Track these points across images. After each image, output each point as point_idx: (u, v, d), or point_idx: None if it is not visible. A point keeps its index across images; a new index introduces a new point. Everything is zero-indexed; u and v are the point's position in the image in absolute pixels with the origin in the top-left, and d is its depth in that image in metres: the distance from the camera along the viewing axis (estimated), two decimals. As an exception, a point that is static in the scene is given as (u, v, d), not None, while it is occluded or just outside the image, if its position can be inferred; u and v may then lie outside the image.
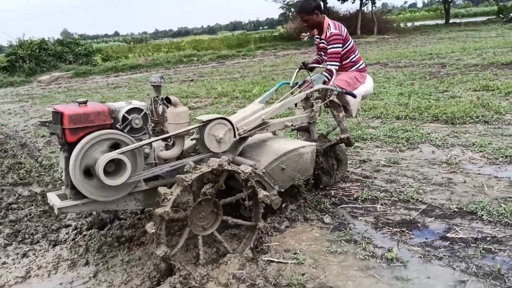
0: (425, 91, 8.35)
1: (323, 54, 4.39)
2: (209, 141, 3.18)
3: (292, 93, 4.18)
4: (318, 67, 4.47)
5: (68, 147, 2.77)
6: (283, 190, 3.49)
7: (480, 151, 4.84)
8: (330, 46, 4.11)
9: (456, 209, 3.55)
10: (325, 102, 4.09)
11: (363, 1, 32.42)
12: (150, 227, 2.73)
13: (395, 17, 49.29)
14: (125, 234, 3.55)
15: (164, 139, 3.26)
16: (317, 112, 4.03)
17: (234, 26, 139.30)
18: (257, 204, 3.11)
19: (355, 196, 3.97)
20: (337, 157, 4.26)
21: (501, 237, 3.06)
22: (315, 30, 4.36)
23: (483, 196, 3.76)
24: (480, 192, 3.85)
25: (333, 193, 4.06)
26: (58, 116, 2.75)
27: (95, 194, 2.83)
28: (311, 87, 4.00)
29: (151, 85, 3.38)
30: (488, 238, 3.07)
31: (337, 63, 4.13)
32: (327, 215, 3.63)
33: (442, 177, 4.25)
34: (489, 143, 5.02)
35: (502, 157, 4.59)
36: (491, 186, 3.94)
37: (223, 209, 3.04)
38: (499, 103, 6.81)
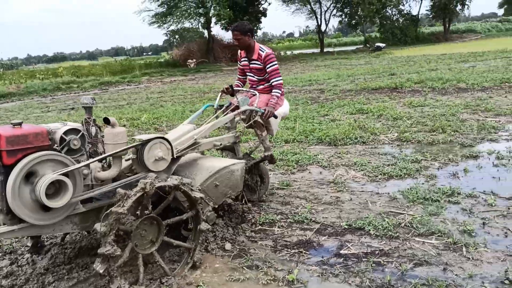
0: (309, 115, 8.86)
1: (253, 74, 4.63)
2: (148, 161, 3.20)
3: (217, 115, 4.33)
4: (243, 90, 4.72)
5: (4, 170, 2.68)
6: (216, 206, 3.63)
7: (361, 170, 5.23)
8: (270, 65, 4.44)
9: (346, 226, 3.76)
10: (250, 122, 4.31)
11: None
12: (101, 226, 2.72)
13: (276, 45, 52.00)
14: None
15: (99, 160, 3.22)
16: (241, 132, 4.17)
17: (116, 51, 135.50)
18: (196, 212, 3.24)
19: (253, 220, 4.00)
20: (260, 174, 4.54)
21: (387, 250, 3.31)
22: (242, 52, 4.63)
23: (368, 212, 4.04)
24: (365, 208, 4.14)
25: (232, 219, 4.05)
26: None
27: (33, 218, 2.75)
28: (236, 109, 4.23)
29: (82, 107, 3.29)
30: (377, 252, 3.29)
31: (280, 78, 4.49)
32: (227, 242, 3.61)
33: (331, 196, 4.50)
34: (368, 162, 5.46)
35: (380, 174, 5.01)
36: (374, 202, 4.27)
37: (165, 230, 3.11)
38: (374, 124, 7.48)
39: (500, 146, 5.72)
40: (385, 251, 3.29)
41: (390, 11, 43.42)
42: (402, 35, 41.71)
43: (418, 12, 46.27)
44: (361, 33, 54.33)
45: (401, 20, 43.69)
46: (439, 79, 12.45)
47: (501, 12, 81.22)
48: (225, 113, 4.21)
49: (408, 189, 4.46)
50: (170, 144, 3.35)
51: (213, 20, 32.63)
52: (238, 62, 4.78)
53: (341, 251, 3.35)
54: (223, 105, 4.24)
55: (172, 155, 3.39)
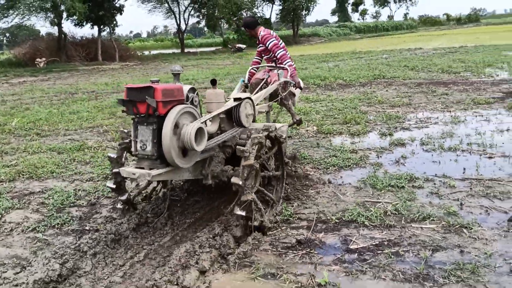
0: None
1: (264, 55, 5.57)
2: (242, 117, 3.87)
3: (244, 90, 5.24)
4: (271, 66, 5.40)
5: (158, 119, 3.11)
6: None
7: (308, 163, 5.13)
8: (268, 42, 5.28)
9: (336, 220, 3.60)
10: (286, 92, 5.08)
11: (101, 28, 31.57)
12: (236, 179, 3.23)
13: (127, 45, 49.78)
14: None
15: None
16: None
17: None
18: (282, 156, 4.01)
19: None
20: None
21: (394, 239, 3.23)
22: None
23: (344, 204, 3.94)
24: (339, 200, 4.03)
25: (216, 229, 3.58)
26: (145, 91, 3.06)
27: (179, 161, 3.21)
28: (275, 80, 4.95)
29: (172, 73, 3.57)
30: (385, 243, 3.19)
31: (282, 50, 5.32)
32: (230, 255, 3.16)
33: (297, 191, 4.30)
34: (309, 155, 5.39)
35: (330, 166, 4.98)
36: (343, 194, 4.18)
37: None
38: (285, 120, 7.49)
39: (416, 133, 6.15)
40: (392, 241, 3.20)
41: (245, 14, 44.82)
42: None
43: (270, 15, 48.70)
44: (219, 34, 55.12)
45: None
46: (317, 77, 13.12)
47: (333, 19, 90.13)
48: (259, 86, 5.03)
49: (367, 177, 4.49)
50: (253, 104, 4.06)
51: (64, 15, 29.73)
52: (257, 47, 5.68)
53: (350, 246, 3.17)
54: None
55: (254, 112, 4.08)
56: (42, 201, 4.46)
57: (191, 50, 41.97)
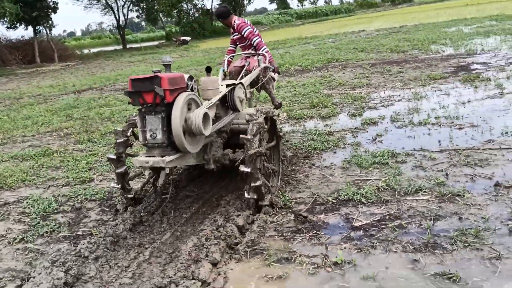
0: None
1: (239, 42, 5.65)
2: (236, 102, 4.03)
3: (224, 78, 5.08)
4: (249, 54, 5.51)
5: (166, 107, 3.21)
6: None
7: (288, 148, 5.17)
8: (243, 31, 5.40)
9: (333, 201, 3.67)
10: (266, 77, 5.18)
11: (36, 29, 30.07)
12: (244, 168, 3.39)
13: (68, 44, 47.80)
14: None
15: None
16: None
17: None
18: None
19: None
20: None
21: (394, 213, 3.34)
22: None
23: (335, 184, 4.03)
24: (330, 181, 4.11)
25: (219, 221, 3.54)
26: (151, 81, 3.15)
27: (189, 147, 3.35)
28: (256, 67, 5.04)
29: (163, 64, 3.53)
30: (386, 217, 3.30)
31: (258, 37, 5.44)
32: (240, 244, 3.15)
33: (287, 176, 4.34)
34: (286, 141, 5.44)
35: (312, 149, 5.05)
36: (331, 175, 4.27)
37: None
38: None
39: (383, 112, 6.35)
40: (393, 215, 3.31)
41: (186, 6, 44.21)
42: (201, 29, 42.95)
43: (211, 6, 48.19)
44: (154, 28, 53.98)
45: (197, 15, 44.90)
46: (272, 64, 13.16)
47: (271, 7, 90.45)
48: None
49: (351, 157, 4.60)
50: (245, 88, 4.25)
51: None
52: (231, 36, 5.76)
53: (355, 224, 3.25)
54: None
55: (246, 97, 4.28)
56: (22, 210, 4.24)
57: (133, 45, 40.88)
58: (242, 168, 3.40)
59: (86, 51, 40.01)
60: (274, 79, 5.60)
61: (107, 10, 39.76)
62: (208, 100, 3.77)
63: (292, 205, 3.70)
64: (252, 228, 3.34)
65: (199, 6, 46.53)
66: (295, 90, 8.76)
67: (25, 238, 3.64)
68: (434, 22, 22.43)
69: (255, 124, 3.55)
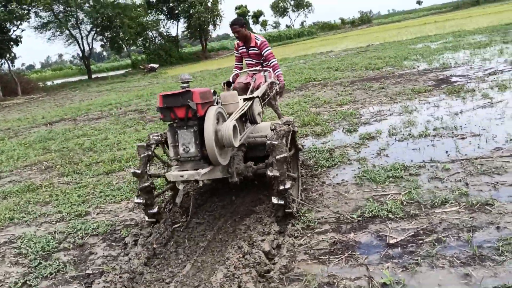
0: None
1: (252, 59, 5.65)
2: (256, 115, 4.17)
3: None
4: (254, 70, 5.56)
5: (198, 121, 3.30)
6: None
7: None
8: (266, 49, 5.52)
9: (359, 218, 3.51)
10: (273, 93, 5.18)
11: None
12: (271, 171, 3.42)
13: (28, 77, 46.63)
14: None
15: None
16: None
17: None
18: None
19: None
20: None
21: (426, 227, 3.20)
22: (240, 42, 5.62)
23: (355, 201, 3.87)
24: (348, 198, 3.96)
25: (244, 247, 3.30)
26: (183, 96, 3.24)
27: (221, 159, 3.41)
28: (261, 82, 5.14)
29: (182, 82, 3.45)
30: (420, 232, 3.15)
31: (276, 59, 5.56)
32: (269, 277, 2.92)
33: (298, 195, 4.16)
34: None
35: (319, 167, 4.90)
36: (346, 192, 4.12)
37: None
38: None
39: (378, 126, 6.30)
40: (426, 229, 3.18)
41: (151, 33, 44.03)
42: (167, 56, 42.79)
43: (177, 33, 48.20)
44: (118, 57, 53.40)
45: (163, 42, 44.75)
46: (249, 86, 13.10)
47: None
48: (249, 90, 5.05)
49: (361, 173, 4.47)
50: (261, 102, 4.41)
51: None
52: (235, 52, 5.81)
53: (390, 242, 3.09)
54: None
55: (262, 110, 4.43)
56: (17, 251, 3.88)
57: (99, 75, 40.21)
58: (270, 172, 3.42)
59: (49, 83, 39.07)
60: (279, 95, 5.59)
61: (70, 40, 39.05)
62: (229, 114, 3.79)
63: (315, 225, 3.51)
64: (282, 253, 3.13)
65: (164, 33, 46.45)
66: (281, 110, 8.64)
67: (27, 282, 3.30)
68: (399, 40, 23.06)
69: (281, 130, 3.62)
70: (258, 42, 5.50)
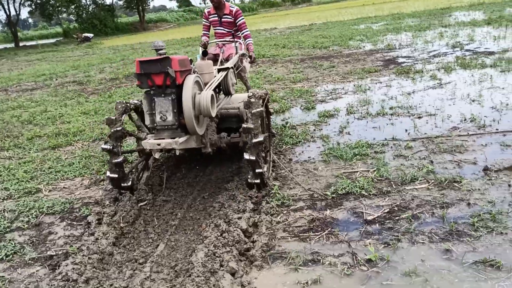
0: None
1: (224, 27, 5.43)
2: (230, 86, 4.17)
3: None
4: (225, 41, 5.38)
5: (176, 89, 3.23)
6: None
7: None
8: (240, 18, 5.38)
9: (333, 196, 3.51)
10: (243, 65, 5.04)
11: None
12: (249, 156, 3.38)
13: None
14: None
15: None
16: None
17: None
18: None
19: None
20: None
21: (400, 204, 3.26)
22: (211, 9, 5.45)
23: (325, 178, 3.87)
24: (318, 176, 3.95)
25: (222, 225, 3.18)
26: (161, 62, 3.14)
27: (198, 129, 3.39)
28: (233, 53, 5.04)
29: (155, 49, 3.32)
30: (395, 208, 3.21)
31: (248, 29, 5.45)
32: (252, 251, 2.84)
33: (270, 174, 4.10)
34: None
35: (283, 144, 4.85)
36: (315, 169, 4.11)
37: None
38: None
39: (335, 104, 6.35)
40: (401, 206, 3.24)
41: (85, 1, 41.57)
42: (102, 25, 40.67)
43: (112, 1, 45.82)
44: (47, 25, 50.20)
45: (97, 10, 42.38)
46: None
47: (171, 4, 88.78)
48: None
49: (327, 150, 4.48)
50: (235, 73, 4.41)
51: None
52: (204, 20, 5.56)
53: (367, 218, 3.12)
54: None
55: (236, 81, 4.41)
56: (-37, 233, 3.51)
57: (27, 43, 37.50)
58: (247, 156, 3.39)
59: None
60: (249, 66, 5.52)
61: (-5, 4, 35.93)
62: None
63: (290, 202, 3.47)
64: (261, 231, 3.07)
65: (99, 1, 44.02)
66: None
67: (-19, 266, 2.99)
68: (341, 20, 23.43)
69: (257, 112, 3.50)
70: (234, 10, 5.39)
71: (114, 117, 3.59)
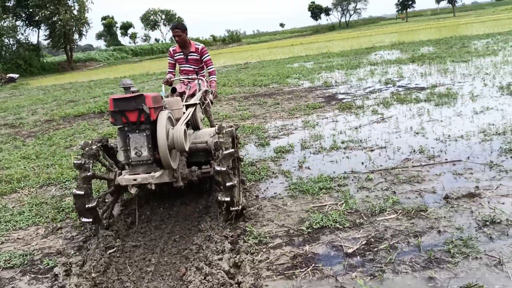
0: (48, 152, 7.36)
1: (190, 65, 5.71)
2: (199, 121, 4.43)
3: None
4: (188, 78, 5.69)
5: (150, 125, 3.33)
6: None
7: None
8: (206, 55, 5.73)
9: (309, 230, 3.54)
10: (207, 101, 5.36)
11: None
12: (219, 167, 3.42)
13: None
14: None
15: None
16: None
17: None
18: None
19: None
20: None
21: (375, 235, 3.35)
22: (177, 47, 5.68)
23: (295, 214, 3.91)
24: (288, 211, 3.97)
25: (202, 265, 3.07)
26: (135, 100, 3.22)
27: (172, 163, 3.51)
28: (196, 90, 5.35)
29: (123, 87, 3.37)
30: (371, 240, 3.29)
31: (214, 66, 5.85)
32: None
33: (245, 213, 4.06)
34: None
35: (251, 181, 4.85)
36: (284, 205, 4.14)
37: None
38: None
39: (288, 140, 6.49)
40: (376, 237, 3.33)
41: (7, 40, 39.67)
42: (27, 65, 38.97)
43: (38, 41, 44.22)
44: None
45: (21, 50, 40.57)
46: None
47: (98, 43, 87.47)
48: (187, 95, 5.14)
49: (291, 186, 4.54)
50: (202, 108, 4.68)
51: None
52: (170, 58, 5.81)
53: (347, 251, 3.17)
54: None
55: (203, 116, 4.61)
56: None
57: None
58: (217, 167, 3.46)
59: None
60: (212, 103, 5.73)
61: None
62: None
63: (267, 240, 3.45)
64: (245, 271, 3.00)
65: (23, 41, 42.29)
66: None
67: None
68: (274, 59, 24.28)
69: (228, 130, 3.80)
70: (199, 47, 5.67)
71: (82, 162, 3.45)
